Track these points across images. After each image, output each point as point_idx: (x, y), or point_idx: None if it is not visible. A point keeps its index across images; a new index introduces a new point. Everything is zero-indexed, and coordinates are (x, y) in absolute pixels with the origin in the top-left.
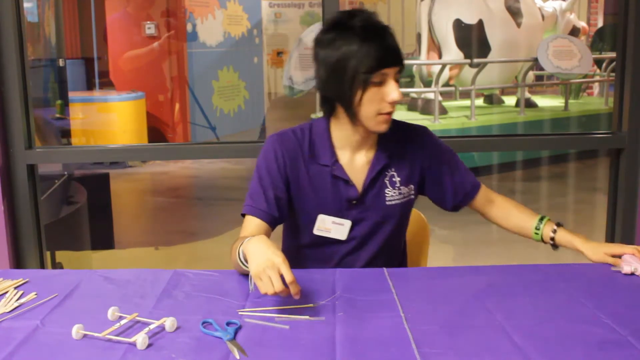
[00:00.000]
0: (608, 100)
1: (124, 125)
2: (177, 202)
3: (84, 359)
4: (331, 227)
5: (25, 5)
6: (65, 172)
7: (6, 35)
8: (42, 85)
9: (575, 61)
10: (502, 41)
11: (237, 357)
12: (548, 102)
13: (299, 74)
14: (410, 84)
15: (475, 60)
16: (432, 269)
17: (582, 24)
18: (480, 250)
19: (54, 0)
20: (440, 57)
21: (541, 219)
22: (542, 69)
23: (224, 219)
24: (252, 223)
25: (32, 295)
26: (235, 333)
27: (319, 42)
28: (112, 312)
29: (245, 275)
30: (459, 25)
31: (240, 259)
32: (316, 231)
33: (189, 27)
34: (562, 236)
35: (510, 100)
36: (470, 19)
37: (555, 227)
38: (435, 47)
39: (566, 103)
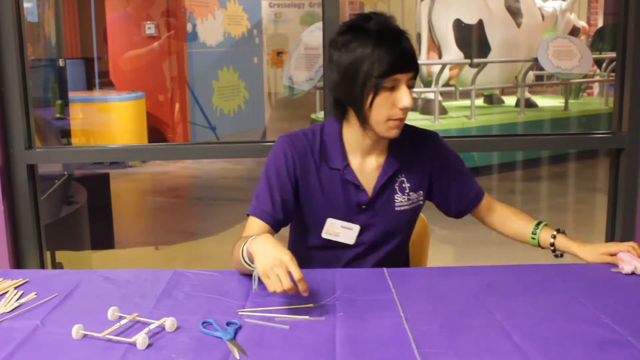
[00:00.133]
0: (608, 100)
1: (124, 125)
2: (177, 202)
3: (84, 359)
4: (340, 231)
5: (25, 5)
6: (65, 172)
7: (6, 35)
8: (42, 85)
9: (575, 61)
10: (502, 41)
11: (237, 357)
12: (548, 102)
13: (299, 74)
14: None
15: (475, 60)
16: (432, 269)
17: (582, 23)
18: (480, 250)
19: (54, 0)
20: (440, 57)
21: (538, 224)
22: (542, 69)
23: (224, 219)
24: (255, 224)
25: (32, 295)
26: (235, 333)
27: (333, 43)
28: (112, 312)
29: (248, 275)
30: (459, 25)
31: (244, 258)
32: (324, 234)
33: (189, 27)
34: (561, 241)
35: (510, 100)
36: (470, 19)
37: (554, 233)
38: (435, 47)
39: (566, 103)
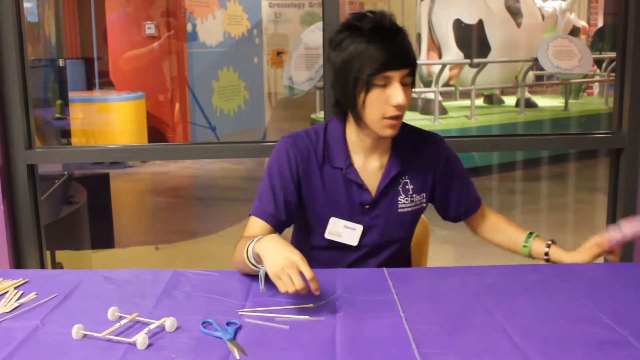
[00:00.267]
0: (608, 100)
1: (124, 125)
2: (177, 202)
3: (84, 359)
4: (343, 231)
5: (25, 5)
6: (65, 172)
7: (6, 35)
8: (42, 85)
9: (575, 61)
10: (502, 41)
11: (237, 357)
12: (548, 102)
13: (299, 74)
14: None
15: (475, 60)
16: (432, 269)
17: (582, 23)
18: (480, 250)
19: (54, 0)
20: (440, 57)
21: (529, 235)
22: (542, 69)
23: (224, 219)
24: (257, 225)
25: (32, 295)
26: (235, 333)
27: (330, 43)
28: (112, 312)
29: (248, 275)
30: (459, 25)
31: (248, 258)
32: (327, 235)
33: (189, 27)
34: (555, 252)
35: (510, 100)
36: (470, 19)
37: (549, 243)
38: (435, 47)
39: (566, 103)
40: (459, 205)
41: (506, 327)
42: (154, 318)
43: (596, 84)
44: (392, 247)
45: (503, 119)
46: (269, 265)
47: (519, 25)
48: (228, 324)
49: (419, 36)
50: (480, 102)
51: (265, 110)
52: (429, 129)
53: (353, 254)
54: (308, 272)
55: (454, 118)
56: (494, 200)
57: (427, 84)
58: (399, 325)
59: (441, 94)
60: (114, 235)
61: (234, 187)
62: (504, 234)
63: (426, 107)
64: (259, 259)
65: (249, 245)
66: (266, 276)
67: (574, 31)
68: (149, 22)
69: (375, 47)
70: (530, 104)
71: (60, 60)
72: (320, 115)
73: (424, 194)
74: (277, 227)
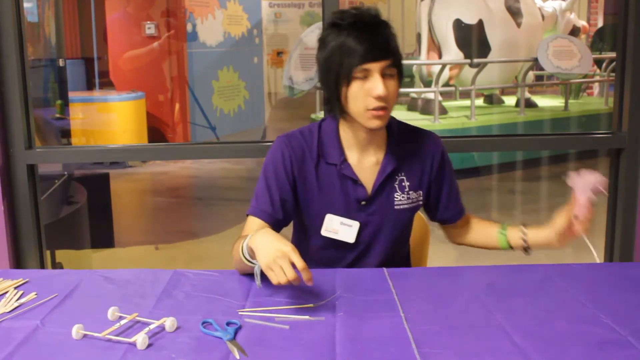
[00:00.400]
0: (608, 100)
1: (124, 125)
2: (177, 202)
3: (84, 359)
4: (339, 228)
5: (25, 5)
6: (65, 172)
7: (6, 35)
8: (42, 85)
9: (575, 61)
10: (502, 41)
11: (237, 357)
12: (548, 102)
13: (299, 74)
14: (410, 84)
15: (475, 60)
16: (432, 269)
17: (582, 22)
18: (480, 250)
19: (54, 0)
20: (440, 57)
21: (503, 225)
22: (542, 69)
23: (224, 219)
24: (255, 224)
25: (32, 295)
26: (235, 333)
27: (317, 42)
28: (112, 312)
29: (248, 275)
30: (459, 25)
31: (244, 254)
32: (324, 232)
33: (189, 27)
34: (532, 237)
35: (510, 100)
36: (470, 19)
37: (524, 230)
38: (435, 47)
39: (566, 103)
40: (446, 209)
41: (506, 327)
42: (154, 318)
43: (596, 84)
44: (390, 244)
45: (503, 119)
46: (261, 258)
47: (519, 25)
48: (228, 324)
49: (419, 36)
50: (480, 102)
51: (265, 110)
52: (429, 129)
53: (351, 252)
54: (299, 262)
55: (454, 118)
56: (494, 200)
57: (427, 84)
58: (399, 325)
59: (441, 94)
60: (114, 235)
61: (234, 187)
62: (478, 231)
63: (426, 107)
64: (253, 254)
65: (243, 242)
66: (263, 274)
67: (574, 31)
68: (149, 22)
69: (353, 41)
70: (530, 104)
71: (60, 60)
72: (320, 115)
73: (421, 192)
74: (274, 226)
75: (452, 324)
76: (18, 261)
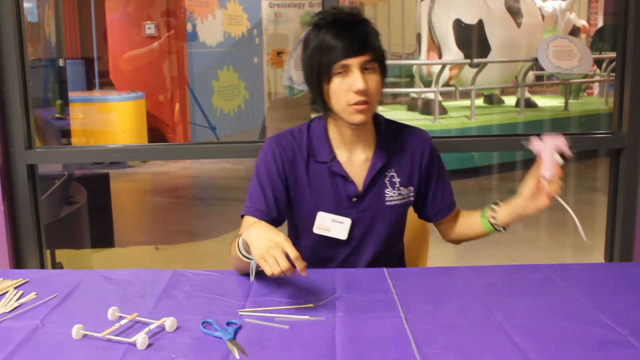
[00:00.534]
0: (608, 100)
1: (124, 125)
2: (177, 202)
3: (84, 359)
4: (331, 225)
5: (25, 5)
6: (65, 172)
7: (6, 35)
8: (42, 85)
9: (575, 61)
10: (502, 41)
11: (237, 357)
12: (548, 102)
13: (299, 74)
14: (410, 84)
15: (475, 60)
16: (432, 269)
17: (582, 22)
18: (480, 250)
19: (54, 0)
20: (440, 57)
21: (483, 210)
22: (542, 69)
23: (224, 219)
24: (250, 223)
25: (32, 295)
26: (235, 333)
27: (302, 43)
28: (112, 312)
29: (246, 274)
30: (459, 25)
31: (240, 250)
32: (316, 229)
33: (189, 27)
34: (502, 214)
35: (510, 100)
36: (470, 19)
37: (493, 206)
38: (435, 47)
39: (566, 103)
40: (434, 204)
41: (506, 327)
42: (154, 318)
43: (596, 84)
44: (382, 240)
45: (503, 119)
46: (255, 249)
47: (519, 25)
48: (228, 324)
49: (419, 36)
50: (480, 102)
51: (265, 110)
52: (429, 129)
53: (344, 249)
54: (292, 252)
55: (454, 118)
56: (494, 200)
57: (427, 84)
58: (399, 325)
59: (441, 94)
60: (114, 235)
61: (234, 187)
62: (465, 223)
63: (426, 107)
64: (249, 249)
65: (239, 239)
66: (258, 271)
67: (574, 31)
68: (149, 22)
69: (332, 38)
70: (530, 104)
71: (60, 60)
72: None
73: (412, 187)
74: (270, 224)
75: (452, 324)
76: (18, 261)
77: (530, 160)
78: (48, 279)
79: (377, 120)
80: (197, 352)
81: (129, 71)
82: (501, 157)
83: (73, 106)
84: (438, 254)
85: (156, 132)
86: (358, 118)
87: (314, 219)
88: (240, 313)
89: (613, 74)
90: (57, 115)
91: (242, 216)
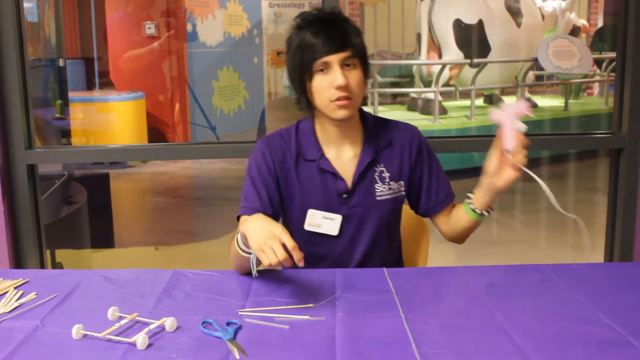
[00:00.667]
0: (608, 100)
1: (124, 125)
2: (177, 202)
3: (84, 359)
4: (322, 222)
5: (25, 5)
6: (65, 172)
7: (6, 35)
8: (42, 85)
9: (575, 61)
10: (502, 41)
11: (237, 357)
12: (548, 102)
13: None
14: (410, 84)
15: (475, 60)
16: (432, 269)
17: (582, 22)
18: (480, 250)
19: (54, 0)
20: (440, 57)
21: (467, 198)
22: (542, 69)
23: (224, 219)
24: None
25: (32, 295)
26: (235, 333)
27: (285, 44)
28: (112, 312)
29: (248, 274)
30: (459, 25)
31: (239, 244)
32: (307, 227)
33: (189, 27)
34: (477, 197)
35: (510, 100)
36: (470, 19)
37: (469, 194)
38: (435, 47)
39: (566, 103)
40: (429, 197)
41: (506, 327)
42: (154, 318)
43: (596, 84)
44: (374, 235)
45: None
46: (253, 240)
47: (519, 25)
48: (228, 324)
49: (419, 36)
50: (480, 102)
51: (266, 110)
52: (429, 129)
53: (336, 245)
54: (290, 242)
55: (454, 118)
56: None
57: (427, 84)
58: (399, 325)
59: (441, 94)
60: (114, 235)
61: (234, 187)
62: (456, 216)
63: (426, 107)
64: (247, 242)
65: (237, 234)
66: (265, 270)
67: (574, 31)
68: (149, 22)
69: (311, 36)
70: (530, 104)
71: (60, 60)
72: None
73: (402, 182)
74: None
75: (452, 324)
76: (18, 261)
77: (530, 160)
78: (48, 279)
79: (365, 116)
80: (197, 352)
81: (129, 71)
82: None
83: (73, 106)
84: (438, 254)
85: (156, 132)
86: (341, 114)
87: (305, 216)
88: (240, 313)
89: (613, 74)
90: (57, 115)
91: (239, 218)
